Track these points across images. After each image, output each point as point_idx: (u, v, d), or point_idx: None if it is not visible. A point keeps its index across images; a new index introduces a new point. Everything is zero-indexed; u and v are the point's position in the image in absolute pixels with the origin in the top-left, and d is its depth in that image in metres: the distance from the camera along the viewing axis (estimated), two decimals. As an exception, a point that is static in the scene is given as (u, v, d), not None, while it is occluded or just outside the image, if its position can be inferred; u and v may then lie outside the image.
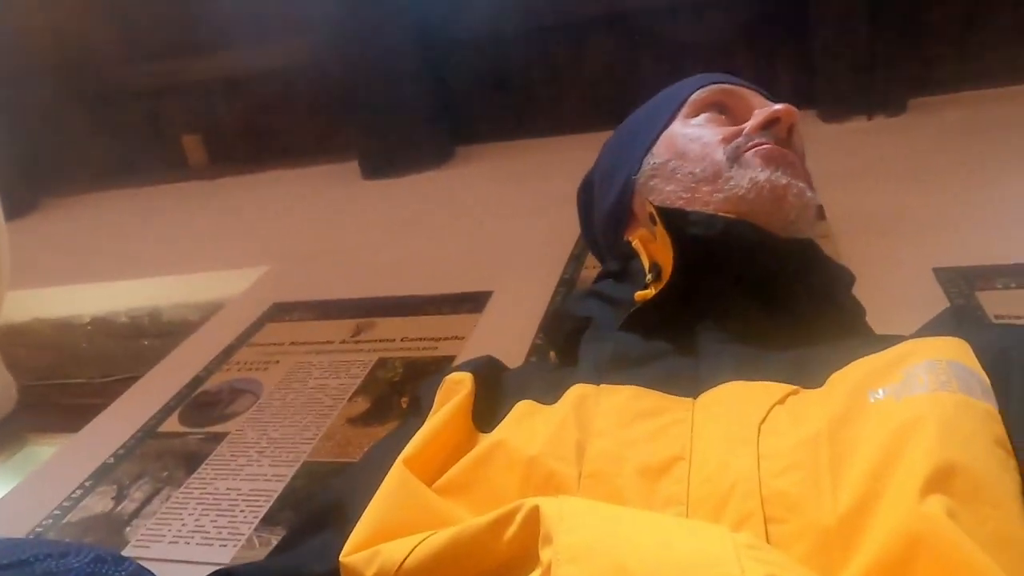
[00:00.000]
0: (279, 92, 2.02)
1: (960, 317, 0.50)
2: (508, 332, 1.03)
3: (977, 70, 1.58)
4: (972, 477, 0.35)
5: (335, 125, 1.96)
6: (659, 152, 0.68)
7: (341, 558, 0.39)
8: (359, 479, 0.49)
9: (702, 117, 0.68)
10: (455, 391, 0.52)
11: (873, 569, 0.34)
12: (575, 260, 1.21)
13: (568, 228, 1.32)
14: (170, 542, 0.78)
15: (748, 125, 0.64)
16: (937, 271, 0.97)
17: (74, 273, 1.65)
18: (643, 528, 0.33)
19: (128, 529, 0.81)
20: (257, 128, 2.10)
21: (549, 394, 0.50)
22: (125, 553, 0.65)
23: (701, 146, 0.64)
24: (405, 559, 0.37)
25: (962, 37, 1.57)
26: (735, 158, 0.62)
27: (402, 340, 1.09)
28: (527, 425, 0.48)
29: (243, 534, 0.77)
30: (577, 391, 0.49)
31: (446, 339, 1.07)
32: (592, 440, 0.44)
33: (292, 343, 1.15)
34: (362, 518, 0.41)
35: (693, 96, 0.69)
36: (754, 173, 0.60)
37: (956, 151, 1.35)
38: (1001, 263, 0.96)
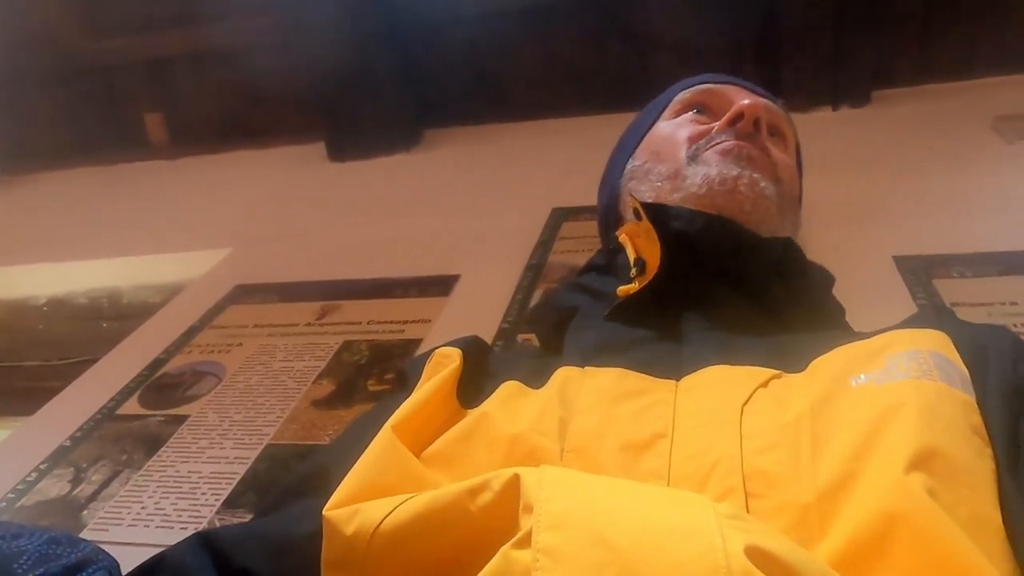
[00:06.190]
0: (244, 71, 1.97)
1: (940, 315, 0.52)
2: (475, 316, 1.03)
3: (937, 65, 1.61)
4: (951, 461, 0.36)
5: (301, 106, 1.93)
6: (639, 154, 0.70)
7: (324, 511, 0.40)
8: (343, 449, 0.49)
9: (682, 117, 0.70)
10: (443, 364, 0.53)
11: (850, 543, 0.35)
12: (542, 246, 1.21)
13: (536, 213, 1.32)
14: (129, 525, 0.77)
15: (716, 124, 0.66)
16: (897, 259, 0.99)
17: (30, 253, 1.61)
18: (624, 497, 0.34)
19: (85, 512, 0.80)
20: (221, 108, 2.05)
21: (536, 379, 0.51)
22: (83, 536, 0.63)
23: (670, 145, 0.67)
24: (383, 520, 0.37)
25: (923, 32, 1.60)
26: (694, 157, 0.64)
27: (368, 323, 1.08)
28: (512, 405, 0.48)
29: (204, 517, 0.76)
30: (562, 373, 0.50)
31: (413, 322, 1.06)
32: (575, 417, 0.45)
33: (255, 325, 1.13)
34: (347, 476, 0.42)
35: (677, 97, 0.72)
36: (707, 169, 0.62)
37: (917, 142, 1.37)
38: (957, 252, 0.98)
